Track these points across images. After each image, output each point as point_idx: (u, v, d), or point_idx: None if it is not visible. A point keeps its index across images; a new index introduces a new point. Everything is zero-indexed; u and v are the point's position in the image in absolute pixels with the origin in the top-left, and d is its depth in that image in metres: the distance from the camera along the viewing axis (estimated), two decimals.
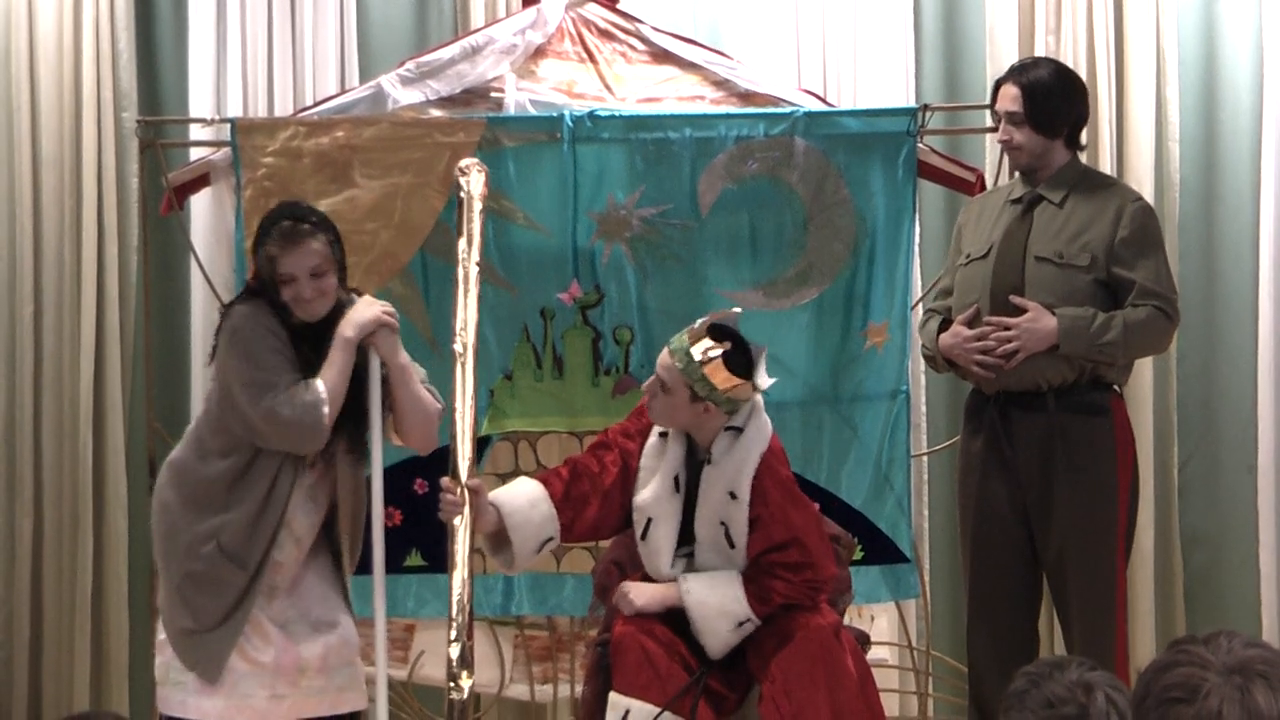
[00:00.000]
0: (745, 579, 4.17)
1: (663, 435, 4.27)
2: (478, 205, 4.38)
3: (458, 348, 4.24)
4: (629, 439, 4.31)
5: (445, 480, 4.17)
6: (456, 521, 4.12)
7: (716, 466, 4.19)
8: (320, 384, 4.14)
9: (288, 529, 4.22)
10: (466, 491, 4.13)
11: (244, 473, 4.19)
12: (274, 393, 4.11)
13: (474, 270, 4.31)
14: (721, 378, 4.09)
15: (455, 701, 4.03)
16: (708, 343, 4.10)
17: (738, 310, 4.26)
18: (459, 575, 4.08)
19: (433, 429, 4.33)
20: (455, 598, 4.07)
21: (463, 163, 4.49)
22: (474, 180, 4.41)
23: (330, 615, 4.28)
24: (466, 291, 4.29)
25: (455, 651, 4.03)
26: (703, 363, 4.08)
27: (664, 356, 4.16)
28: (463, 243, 4.34)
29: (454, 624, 4.05)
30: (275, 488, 4.18)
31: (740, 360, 4.11)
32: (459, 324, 4.26)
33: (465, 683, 4.02)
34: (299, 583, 4.29)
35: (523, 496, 4.25)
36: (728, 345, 4.10)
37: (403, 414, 4.29)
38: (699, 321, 4.17)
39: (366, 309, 4.22)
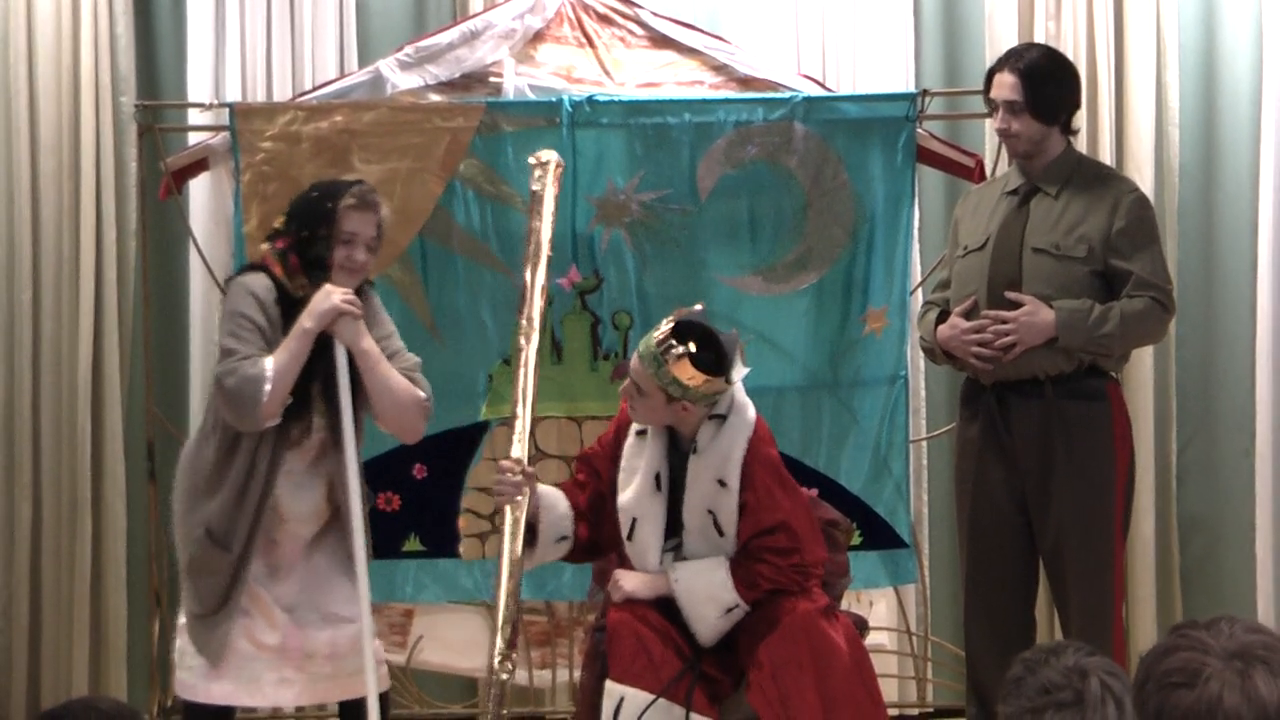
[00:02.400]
0: (733, 565, 4.17)
1: (641, 433, 4.26)
2: (549, 200, 4.49)
3: (522, 340, 4.33)
4: (599, 459, 4.33)
5: (505, 462, 4.17)
6: (507, 506, 4.15)
7: (703, 456, 4.18)
8: (268, 362, 4.12)
9: (276, 511, 4.22)
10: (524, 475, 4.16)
11: (229, 452, 4.18)
12: (229, 360, 4.12)
13: (544, 256, 4.42)
14: (691, 377, 4.07)
15: (500, 681, 4.05)
16: (673, 345, 4.08)
17: (699, 306, 4.24)
18: (506, 558, 4.09)
19: (409, 418, 4.27)
20: (504, 579, 4.07)
21: (542, 155, 4.59)
22: (547, 175, 4.54)
23: (345, 609, 4.25)
24: (535, 271, 4.40)
25: (507, 632, 4.04)
26: (671, 366, 4.07)
27: (634, 362, 4.15)
28: (536, 222, 4.42)
29: (502, 607, 4.05)
30: (255, 468, 4.17)
31: (708, 357, 4.09)
32: (525, 313, 4.34)
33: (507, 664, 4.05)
34: (309, 567, 4.28)
35: (545, 488, 4.29)
36: (692, 345, 4.07)
37: (372, 401, 4.26)
38: (663, 323, 4.14)
39: (325, 299, 4.17)
